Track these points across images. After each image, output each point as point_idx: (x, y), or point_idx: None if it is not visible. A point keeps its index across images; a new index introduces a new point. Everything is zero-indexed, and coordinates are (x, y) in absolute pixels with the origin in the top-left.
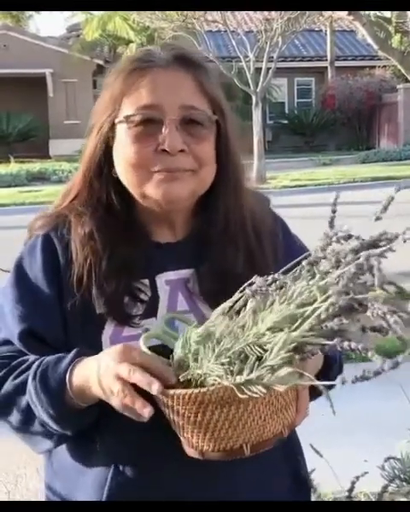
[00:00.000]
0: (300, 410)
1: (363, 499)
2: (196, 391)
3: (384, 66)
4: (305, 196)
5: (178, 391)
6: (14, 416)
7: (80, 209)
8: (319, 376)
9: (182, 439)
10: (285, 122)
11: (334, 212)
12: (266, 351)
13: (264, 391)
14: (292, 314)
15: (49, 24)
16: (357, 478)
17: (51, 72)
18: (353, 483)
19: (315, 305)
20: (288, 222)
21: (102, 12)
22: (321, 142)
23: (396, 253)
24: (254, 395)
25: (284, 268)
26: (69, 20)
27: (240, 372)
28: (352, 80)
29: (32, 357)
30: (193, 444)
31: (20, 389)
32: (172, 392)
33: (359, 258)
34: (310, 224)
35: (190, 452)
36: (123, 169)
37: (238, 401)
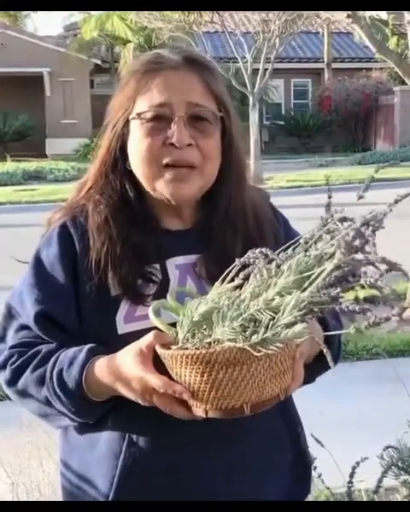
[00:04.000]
0: (295, 378)
1: (363, 492)
2: (204, 351)
3: (381, 69)
4: (301, 197)
5: (188, 351)
6: (33, 404)
7: (97, 197)
8: (318, 359)
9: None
10: (282, 123)
11: (330, 197)
12: (276, 313)
13: (281, 346)
14: (299, 279)
15: (46, 23)
16: (358, 463)
17: (49, 72)
18: (353, 468)
19: (322, 268)
20: None
21: (99, 12)
22: (317, 143)
23: (394, 254)
24: (270, 351)
25: (283, 247)
26: (67, 20)
27: (253, 334)
28: (348, 82)
29: (47, 347)
30: (197, 403)
31: (38, 382)
32: (182, 352)
33: (352, 234)
34: (307, 225)
35: (195, 411)
36: (136, 162)
37: (242, 363)
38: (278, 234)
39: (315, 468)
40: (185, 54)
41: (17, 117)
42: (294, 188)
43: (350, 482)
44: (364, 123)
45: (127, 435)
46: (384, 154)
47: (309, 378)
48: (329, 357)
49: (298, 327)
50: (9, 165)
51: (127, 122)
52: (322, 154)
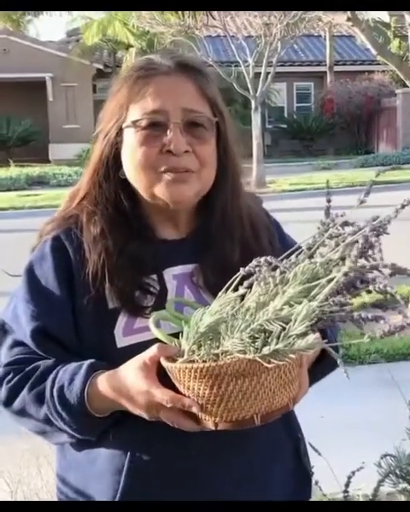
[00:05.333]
0: (301, 386)
1: (361, 499)
2: (214, 364)
3: (383, 71)
4: (304, 200)
5: (196, 365)
6: (31, 423)
7: (91, 208)
8: (316, 364)
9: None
10: (284, 126)
11: (329, 201)
12: (286, 323)
13: (294, 357)
14: (307, 287)
15: (49, 28)
16: (353, 473)
17: (51, 77)
18: (349, 478)
19: (331, 276)
20: (287, 226)
21: (101, 17)
22: (320, 146)
23: (397, 254)
24: (281, 363)
25: (286, 253)
26: (69, 25)
27: (264, 345)
28: (351, 85)
29: (44, 363)
30: (207, 416)
31: (37, 401)
32: (190, 365)
33: (357, 241)
34: (309, 228)
35: (204, 423)
36: (132, 170)
37: (252, 374)
38: (273, 239)
39: (312, 473)
40: (177, 59)
41: (20, 122)
42: (297, 191)
43: (346, 491)
44: (366, 125)
45: (129, 450)
46: (387, 157)
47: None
48: (343, 369)
49: (311, 337)
50: (13, 171)
51: (120, 130)
52: (325, 156)
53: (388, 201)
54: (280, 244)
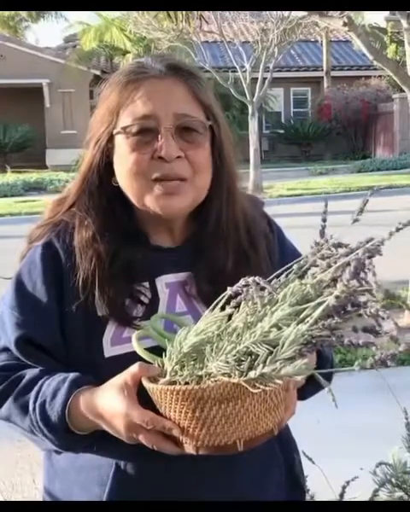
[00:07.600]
0: (288, 409)
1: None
2: (196, 387)
3: (380, 76)
4: (301, 205)
5: (178, 387)
6: (19, 429)
7: (81, 214)
8: (308, 381)
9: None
10: (281, 132)
11: (324, 220)
12: (273, 347)
13: (280, 383)
14: (296, 310)
15: (46, 34)
16: (348, 482)
17: (48, 83)
18: (343, 487)
19: (320, 299)
20: (284, 231)
21: (98, 23)
22: (317, 151)
23: (391, 262)
24: (268, 388)
25: (275, 274)
26: (66, 31)
27: (250, 368)
28: (348, 90)
29: (30, 373)
30: (188, 440)
31: (21, 411)
32: (172, 388)
33: (350, 264)
34: (306, 233)
35: (185, 447)
36: (124, 178)
37: (236, 398)
38: (272, 247)
39: (308, 490)
40: (169, 61)
41: (17, 128)
42: (294, 196)
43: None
44: (363, 131)
45: (115, 461)
46: (384, 162)
47: (300, 398)
48: (332, 397)
49: (299, 362)
50: (10, 177)
51: (112, 137)
52: (322, 162)
53: (385, 206)
54: (279, 253)
